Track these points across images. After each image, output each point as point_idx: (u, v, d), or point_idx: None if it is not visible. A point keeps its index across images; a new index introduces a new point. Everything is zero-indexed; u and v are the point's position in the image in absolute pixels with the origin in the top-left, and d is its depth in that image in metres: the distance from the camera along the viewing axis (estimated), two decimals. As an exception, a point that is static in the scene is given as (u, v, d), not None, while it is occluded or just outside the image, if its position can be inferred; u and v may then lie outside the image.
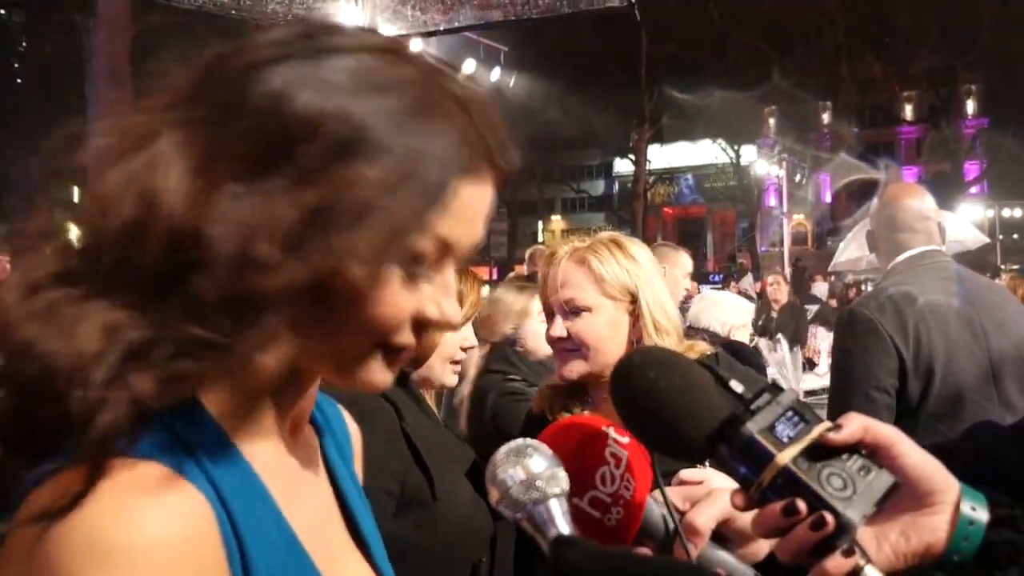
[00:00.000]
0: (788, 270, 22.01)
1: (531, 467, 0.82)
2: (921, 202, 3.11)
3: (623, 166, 49.41)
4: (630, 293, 1.95)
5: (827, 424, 0.89)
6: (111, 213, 0.71)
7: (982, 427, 1.29)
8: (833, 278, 17.22)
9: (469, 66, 16.09)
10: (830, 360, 4.85)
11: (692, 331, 4.42)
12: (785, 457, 0.85)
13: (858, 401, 2.82)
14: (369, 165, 0.71)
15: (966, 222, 11.89)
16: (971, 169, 37.69)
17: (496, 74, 16.81)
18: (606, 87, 33.14)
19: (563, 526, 0.79)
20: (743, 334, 4.61)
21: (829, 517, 0.82)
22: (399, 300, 0.77)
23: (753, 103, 34.38)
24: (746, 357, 4.15)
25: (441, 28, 6.34)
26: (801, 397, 2.03)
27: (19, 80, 19.50)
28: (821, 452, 0.86)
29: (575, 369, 1.95)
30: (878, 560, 0.86)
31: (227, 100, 0.73)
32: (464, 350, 2.13)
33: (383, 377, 0.81)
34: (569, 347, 1.95)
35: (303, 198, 0.70)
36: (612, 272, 1.94)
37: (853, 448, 0.88)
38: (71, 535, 0.64)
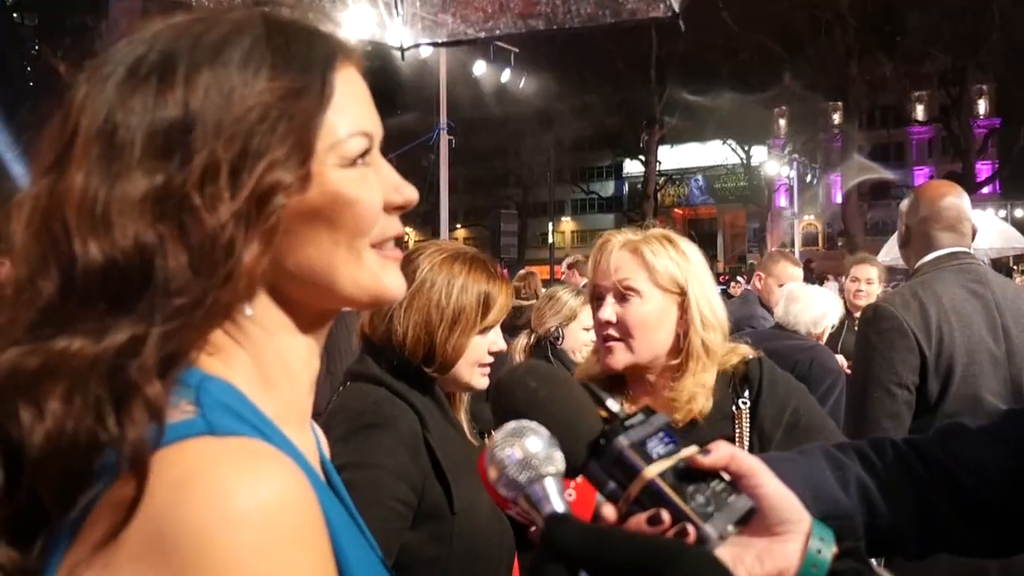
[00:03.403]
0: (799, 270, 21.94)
1: (528, 447, 0.84)
2: (961, 201, 3.12)
3: (633, 167, 49.41)
4: (679, 286, 1.97)
5: (695, 448, 0.96)
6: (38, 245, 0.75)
7: (956, 428, 1.30)
8: (843, 278, 17.16)
9: (479, 67, 16.11)
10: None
11: (782, 331, 4.39)
12: (652, 471, 0.91)
13: (879, 396, 2.84)
14: (251, 88, 0.79)
15: (1007, 226, 11.82)
16: (983, 169, 37.52)
17: (507, 75, 16.79)
18: (616, 88, 33.13)
19: (558, 504, 0.82)
20: (826, 331, 4.56)
21: (691, 528, 0.87)
22: (361, 193, 0.84)
23: (763, 104, 34.34)
24: (822, 363, 4.13)
25: (482, 36, 6.33)
26: None
27: (31, 84, 19.62)
28: (688, 473, 0.93)
29: (620, 359, 1.97)
30: None
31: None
32: (492, 354, 2.06)
33: (395, 279, 0.89)
34: (616, 335, 1.97)
35: (207, 143, 0.76)
36: (663, 263, 1.97)
37: (717, 474, 0.95)
38: (197, 507, 0.66)
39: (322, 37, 0.86)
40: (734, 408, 1.96)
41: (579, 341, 3.87)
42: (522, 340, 4.03)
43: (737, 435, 1.94)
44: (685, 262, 2.00)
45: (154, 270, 0.73)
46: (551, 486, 0.83)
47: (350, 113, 0.85)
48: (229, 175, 0.76)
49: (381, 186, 0.87)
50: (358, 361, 2.03)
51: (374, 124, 0.88)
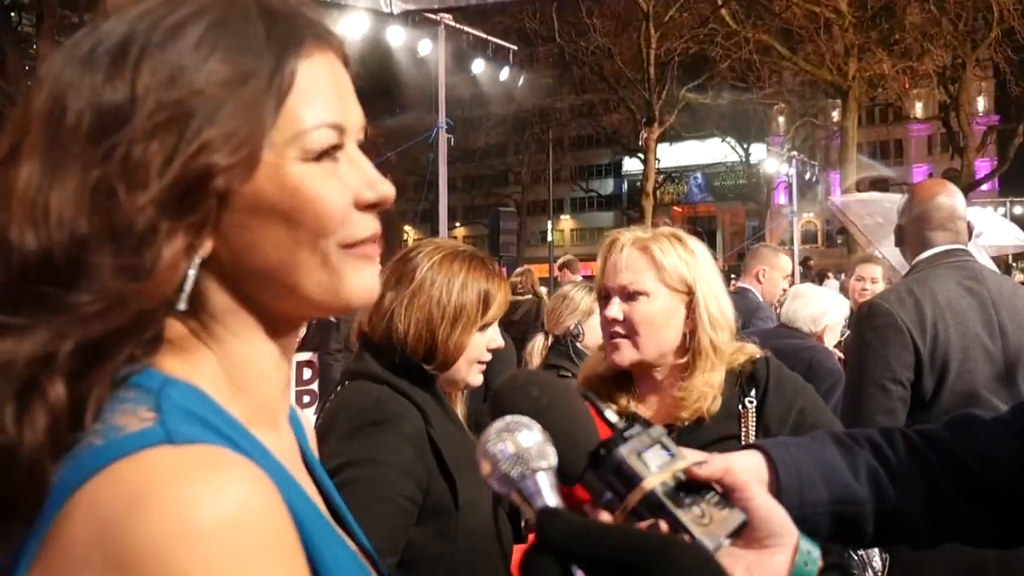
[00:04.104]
0: (798, 268, 21.95)
1: (520, 442, 0.84)
2: (953, 200, 3.13)
3: (632, 165, 49.47)
4: (687, 285, 1.99)
5: (692, 459, 0.99)
6: None
7: (966, 418, 1.30)
8: (844, 276, 17.11)
9: (478, 66, 16.10)
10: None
11: (785, 329, 4.39)
12: (652, 482, 0.92)
13: (874, 392, 2.86)
14: (198, 71, 0.75)
15: (1008, 223, 11.81)
16: (982, 166, 37.50)
17: (505, 74, 16.78)
18: (615, 86, 33.11)
19: (549, 498, 0.82)
20: (834, 333, 4.55)
21: (687, 540, 0.88)
22: (324, 190, 0.79)
23: (762, 101, 34.30)
24: (820, 363, 4.11)
25: (473, 2, 6.36)
26: None
27: (30, 84, 19.59)
28: (683, 485, 0.95)
29: (626, 356, 1.99)
30: None
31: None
32: (490, 351, 2.11)
33: (363, 281, 0.83)
34: (622, 332, 1.99)
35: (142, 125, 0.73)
36: (672, 262, 1.98)
37: (711, 486, 0.98)
38: (156, 523, 0.63)
39: (291, 21, 0.81)
40: (740, 407, 1.96)
41: (599, 335, 3.82)
42: (539, 341, 4.02)
43: (743, 434, 1.94)
44: (694, 261, 2.01)
45: (83, 265, 0.70)
46: (543, 480, 0.83)
47: (318, 103, 0.80)
48: (162, 163, 0.72)
49: (353, 182, 0.82)
50: (357, 360, 2.06)
51: (348, 116, 0.83)
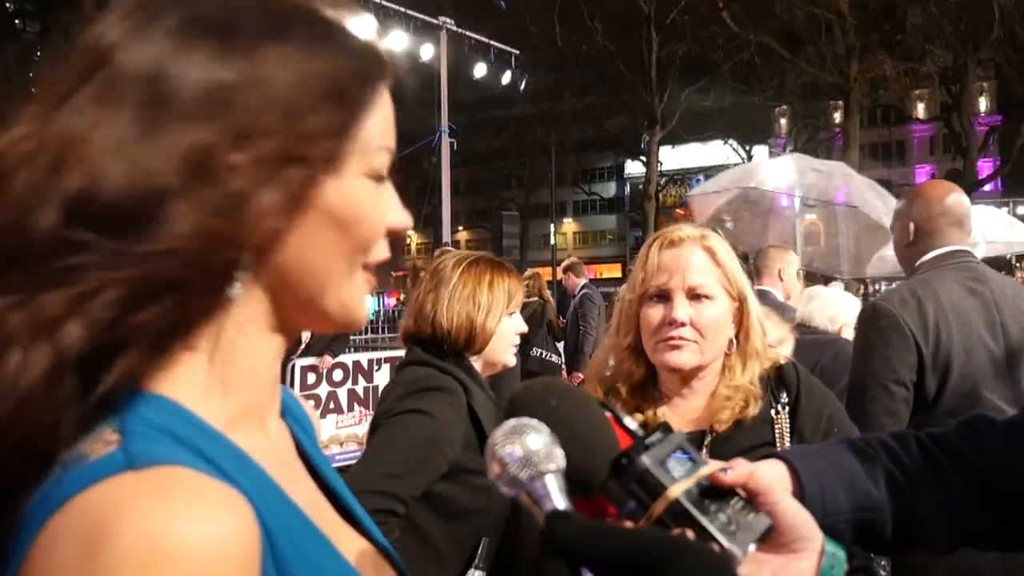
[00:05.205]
0: (801, 270, 21.92)
1: (528, 445, 0.83)
2: (965, 200, 3.15)
3: (634, 168, 49.42)
4: (739, 289, 1.98)
5: (716, 465, 0.96)
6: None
7: (977, 421, 1.31)
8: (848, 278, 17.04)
9: (480, 70, 16.13)
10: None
11: (804, 328, 4.43)
12: (677, 490, 0.89)
13: (877, 393, 2.86)
14: (315, 66, 0.76)
15: (1017, 222, 11.74)
16: (984, 166, 37.46)
17: (507, 78, 16.81)
18: (617, 89, 33.12)
19: (558, 501, 0.81)
20: (850, 329, 4.63)
21: (715, 548, 0.86)
22: (375, 208, 0.82)
23: (764, 103, 34.30)
24: (847, 354, 4.18)
25: None
26: None
27: (35, 90, 19.63)
28: (707, 491, 0.93)
29: (690, 359, 1.93)
30: None
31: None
32: (518, 335, 2.60)
33: (364, 308, 0.86)
34: (688, 336, 1.93)
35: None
36: (731, 266, 1.98)
37: (734, 491, 0.95)
38: (117, 549, 0.60)
39: (372, 44, 0.83)
40: (773, 412, 1.94)
41: None
42: None
43: (777, 440, 1.91)
44: (740, 265, 2.01)
45: (161, 214, 0.69)
46: (552, 483, 0.82)
47: (384, 124, 0.82)
48: (274, 148, 0.73)
49: (388, 207, 0.85)
50: (408, 353, 2.55)
51: (394, 143, 0.85)
